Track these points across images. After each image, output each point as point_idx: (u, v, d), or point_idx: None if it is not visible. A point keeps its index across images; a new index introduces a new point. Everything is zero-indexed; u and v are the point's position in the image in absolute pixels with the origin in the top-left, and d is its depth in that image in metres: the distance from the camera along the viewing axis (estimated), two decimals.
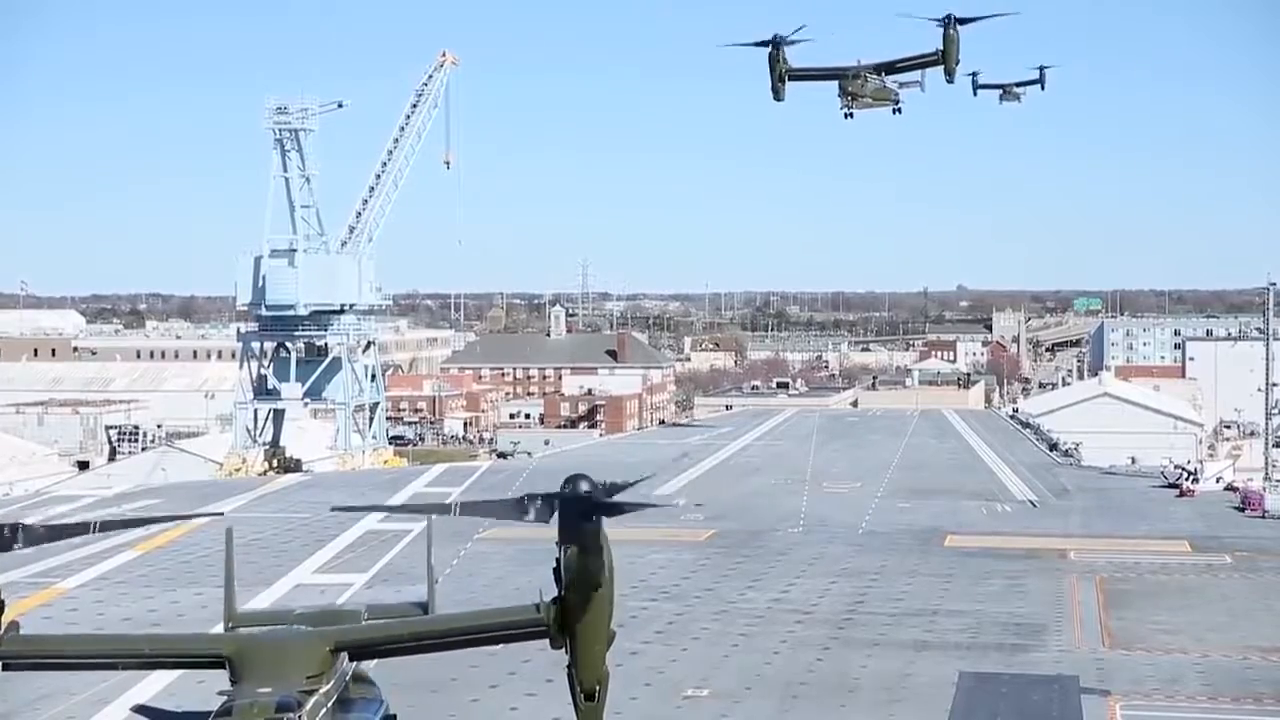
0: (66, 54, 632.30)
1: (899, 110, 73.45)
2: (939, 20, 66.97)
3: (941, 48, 67.93)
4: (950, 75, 69.74)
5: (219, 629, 21.70)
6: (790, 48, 68.10)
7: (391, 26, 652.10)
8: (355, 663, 18.53)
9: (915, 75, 72.71)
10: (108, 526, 20.06)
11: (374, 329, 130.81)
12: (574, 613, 16.26)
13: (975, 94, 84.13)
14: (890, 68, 71.91)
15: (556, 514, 16.13)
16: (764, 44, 68.38)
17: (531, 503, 16.42)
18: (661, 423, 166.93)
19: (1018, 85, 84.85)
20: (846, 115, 72.46)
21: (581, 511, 15.93)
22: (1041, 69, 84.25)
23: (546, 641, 17.26)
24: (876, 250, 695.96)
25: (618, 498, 16.67)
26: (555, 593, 16.47)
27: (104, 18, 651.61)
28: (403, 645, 18.45)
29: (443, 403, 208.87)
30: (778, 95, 69.65)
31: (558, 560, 16.13)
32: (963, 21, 67.13)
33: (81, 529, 19.05)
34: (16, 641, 17.45)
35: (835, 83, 71.35)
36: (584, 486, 16.16)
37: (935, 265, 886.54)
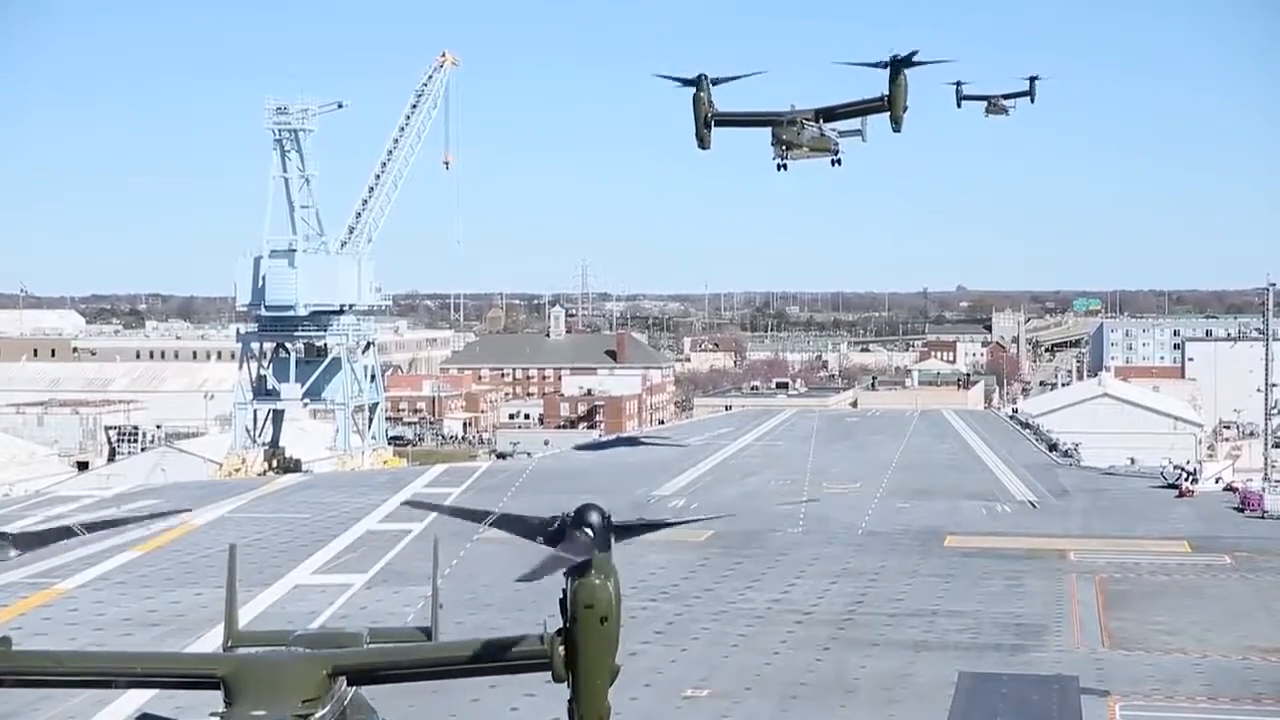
0: (67, 54, 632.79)
1: (838, 162, 67.99)
2: (883, 63, 61.50)
3: (887, 92, 62.25)
4: (897, 124, 63.61)
5: (217, 645, 21.56)
6: (718, 89, 62.82)
7: (391, 26, 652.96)
8: (354, 688, 18.32)
9: (856, 123, 67.56)
10: (92, 528, 19.79)
11: (373, 329, 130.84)
12: (578, 646, 16.05)
13: (959, 105, 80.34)
14: (830, 114, 66.19)
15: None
16: (688, 82, 62.99)
17: (546, 528, 16.17)
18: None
19: (1005, 97, 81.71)
20: (780, 167, 66.57)
21: (591, 542, 15.71)
22: (1031, 80, 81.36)
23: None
24: (876, 250, 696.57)
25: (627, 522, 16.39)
26: (560, 623, 16.21)
27: (104, 18, 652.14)
28: (403, 672, 18.31)
29: (442, 403, 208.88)
30: (702, 143, 63.88)
31: (564, 591, 15.93)
32: (910, 64, 61.63)
33: (66, 533, 18.74)
34: (7, 658, 17.14)
35: (768, 130, 65.59)
36: (593, 516, 15.91)
37: (935, 265, 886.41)
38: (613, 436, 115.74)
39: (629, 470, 76.78)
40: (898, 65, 61.42)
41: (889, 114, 63.36)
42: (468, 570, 42.93)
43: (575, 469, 79.44)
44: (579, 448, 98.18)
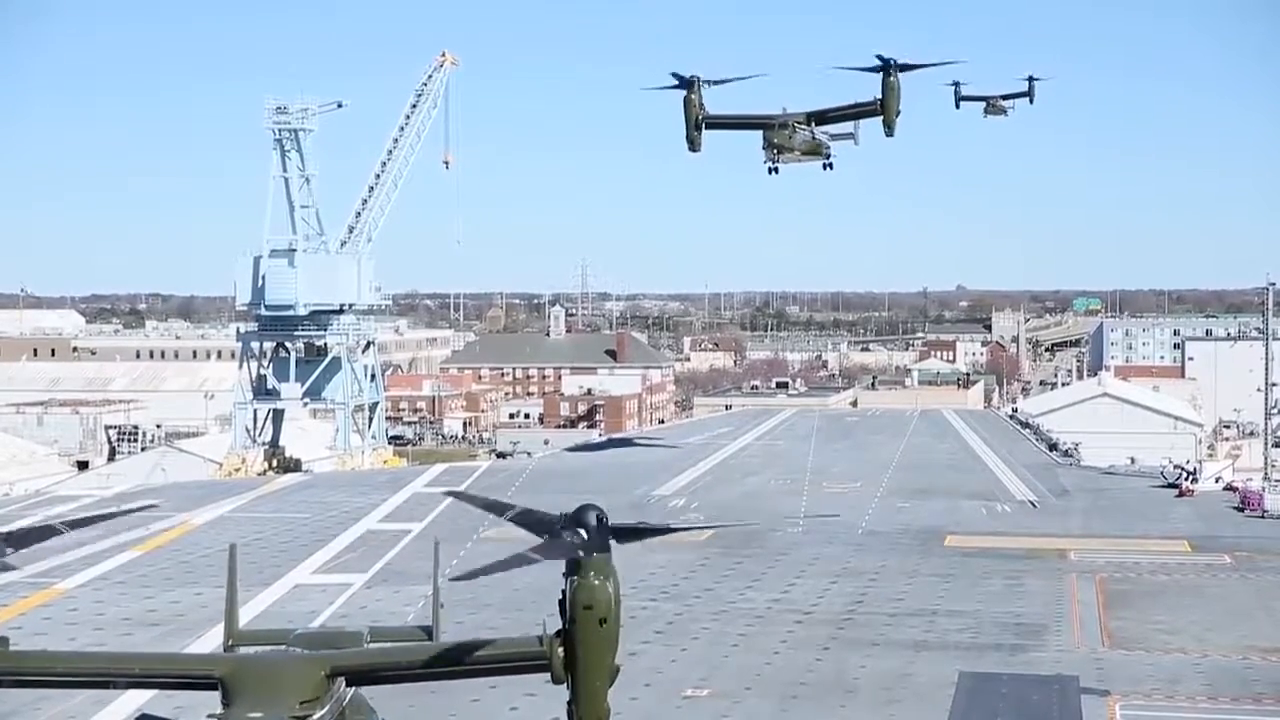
0: (66, 54, 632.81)
1: (829, 166, 67.07)
2: (877, 67, 60.65)
3: (880, 96, 61.44)
4: (890, 128, 62.81)
5: (217, 644, 21.52)
6: (709, 91, 61.85)
7: (391, 26, 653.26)
8: (353, 688, 18.24)
9: (848, 127, 66.73)
10: (76, 525, 19.65)
11: (373, 329, 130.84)
12: (577, 647, 15.98)
13: (958, 106, 79.39)
14: (821, 117, 65.42)
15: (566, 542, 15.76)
16: (679, 85, 62.16)
17: (554, 538, 16.09)
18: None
19: (1004, 98, 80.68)
20: (771, 170, 65.70)
21: (589, 543, 15.63)
22: (1030, 80, 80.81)
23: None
24: (876, 250, 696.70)
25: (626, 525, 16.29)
26: (560, 624, 16.14)
27: (104, 18, 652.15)
28: (402, 672, 18.25)
29: (442, 403, 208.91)
30: (693, 145, 63.18)
31: (563, 592, 15.87)
32: (904, 68, 60.73)
33: (50, 531, 18.58)
34: (4, 658, 17.10)
35: (759, 133, 64.78)
36: (592, 517, 15.83)
37: (935, 265, 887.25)
38: (605, 438, 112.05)
39: (629, 470, 76.76)
40: (890, 69, 60.72)
41: (881, 118, 62.72)
42: (468, 570, 42.85)
43: (576, 468, 79.44)
44: (571, 449, 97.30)
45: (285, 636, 19.81)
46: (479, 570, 16.31)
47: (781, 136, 64.53)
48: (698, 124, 62.66)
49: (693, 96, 62.11)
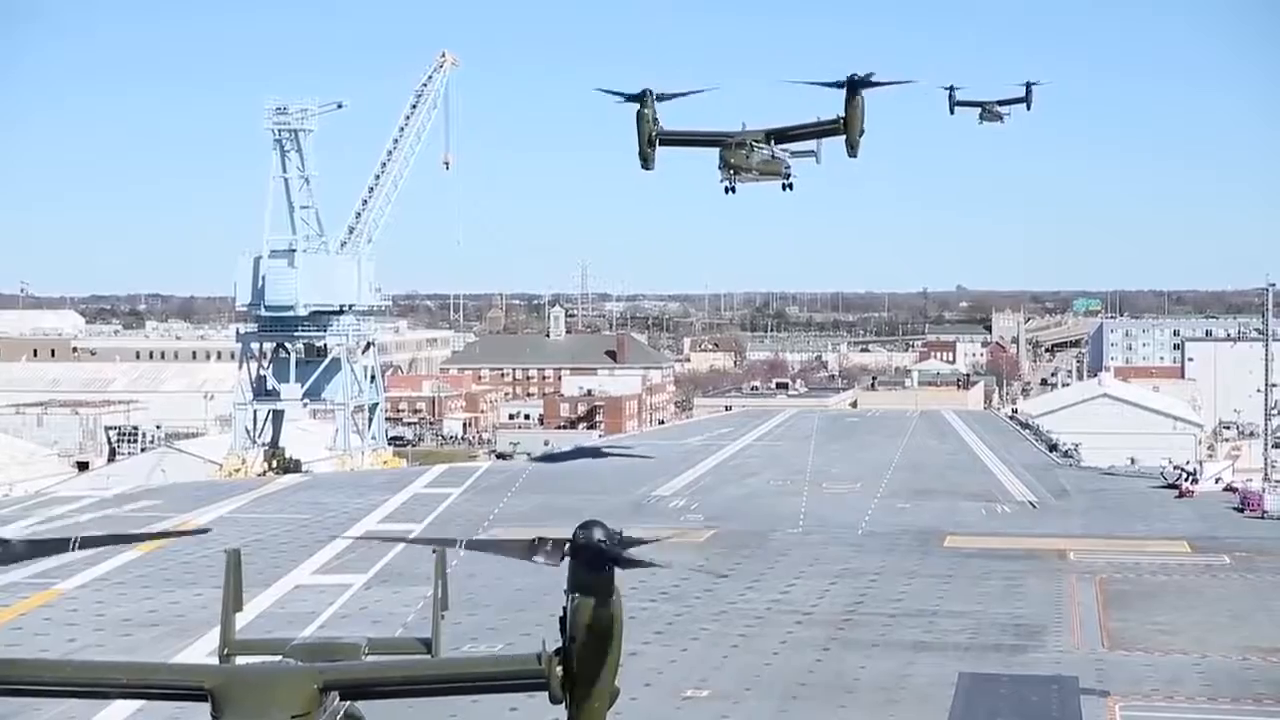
0: (66, 54, 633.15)
1: (789, 186, 64.54)
2: (839, 83, 58.33)
3: (843, 114, 59.07)
4: (853, 148, 60.41)
5: (214, 650, 21.37)
6: (663, 105, 59.68)
7: (391, 26, 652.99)
8: (348, 702, 18.09)
9: (810, 145, 64.39)
10: (88, 543, 19.35)
11: (373, 329, 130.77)
12: (576, 667, 15.72)
13: (952, 112, 77.78)
14: (782, 135, 62.96)
15: (566, 560, 15.50)
16: (632, 98, 59.69)
17: (542, 546, 15.83)
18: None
19: (1000, 104, 79.09)
20: (728, 190, 63.30)
21: (593, 561, 15.37)
22: (1028, 86, 79.34)
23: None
24: (876, 250, 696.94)
25: (634, 551, 15.99)
26: (559, 642, 15.90)
27: (104, 18, 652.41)
28: (397, 688, 18.08)
29: (442, 403, 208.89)
30: (646, 162, 60.92)
31: (564, 609, 15.63)
32: (866, 84, 58.58)
33: (61, 545, 18.38)
34: None
35: (716, 150, 62.29)
36: (597, 534, 15.55)
37: (935, 266, 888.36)
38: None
39: (630, 470, 76.77)
40: (855, 86, 58.67)
41: (845, 137, 60.39)
42: (466, 570, 42.80)
43: (576, 469, 79.40)
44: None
45: (281, 647, 19.63)
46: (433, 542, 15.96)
47: (738, 156, 62.03)
48: (651, 141, 60.49)
49: (645, 111, 59.85)
